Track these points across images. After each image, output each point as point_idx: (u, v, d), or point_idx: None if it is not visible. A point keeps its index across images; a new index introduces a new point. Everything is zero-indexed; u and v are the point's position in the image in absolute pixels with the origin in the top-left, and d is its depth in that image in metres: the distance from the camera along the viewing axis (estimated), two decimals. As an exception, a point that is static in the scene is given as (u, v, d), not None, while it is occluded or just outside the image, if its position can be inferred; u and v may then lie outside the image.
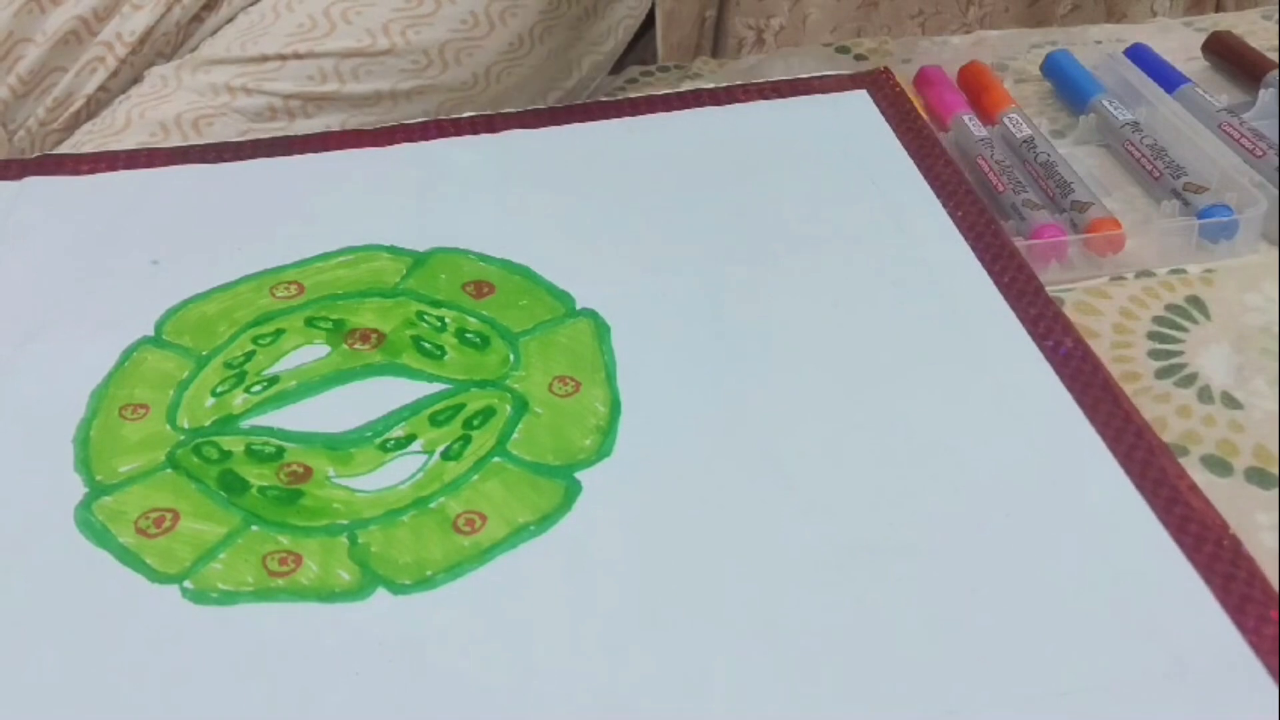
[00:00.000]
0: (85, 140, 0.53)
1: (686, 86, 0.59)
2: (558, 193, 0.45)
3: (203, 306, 0.40)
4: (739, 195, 0.44)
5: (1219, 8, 0.75)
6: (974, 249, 0.40)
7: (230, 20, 0.55)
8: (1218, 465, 0.35)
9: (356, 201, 0.45)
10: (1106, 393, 0.34)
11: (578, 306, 0.40)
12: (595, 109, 0.50)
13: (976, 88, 0.53)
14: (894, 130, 0.47)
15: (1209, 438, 0.36)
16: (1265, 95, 0.51)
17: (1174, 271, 0.43)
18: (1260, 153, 0.46)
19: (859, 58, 0.60)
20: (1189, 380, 0.38)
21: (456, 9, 0.55)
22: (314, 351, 0.38)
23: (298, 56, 0.53)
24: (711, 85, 0.52)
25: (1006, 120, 0.50)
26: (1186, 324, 0.41)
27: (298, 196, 0.46)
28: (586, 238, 0.43)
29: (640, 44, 0.66)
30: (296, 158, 0.48)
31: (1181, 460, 0.35)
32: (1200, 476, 0.35)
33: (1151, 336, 0.40)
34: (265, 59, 0.53)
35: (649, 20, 0.65)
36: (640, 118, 0.49)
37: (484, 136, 0.48)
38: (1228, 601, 0.29)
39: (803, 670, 0.28)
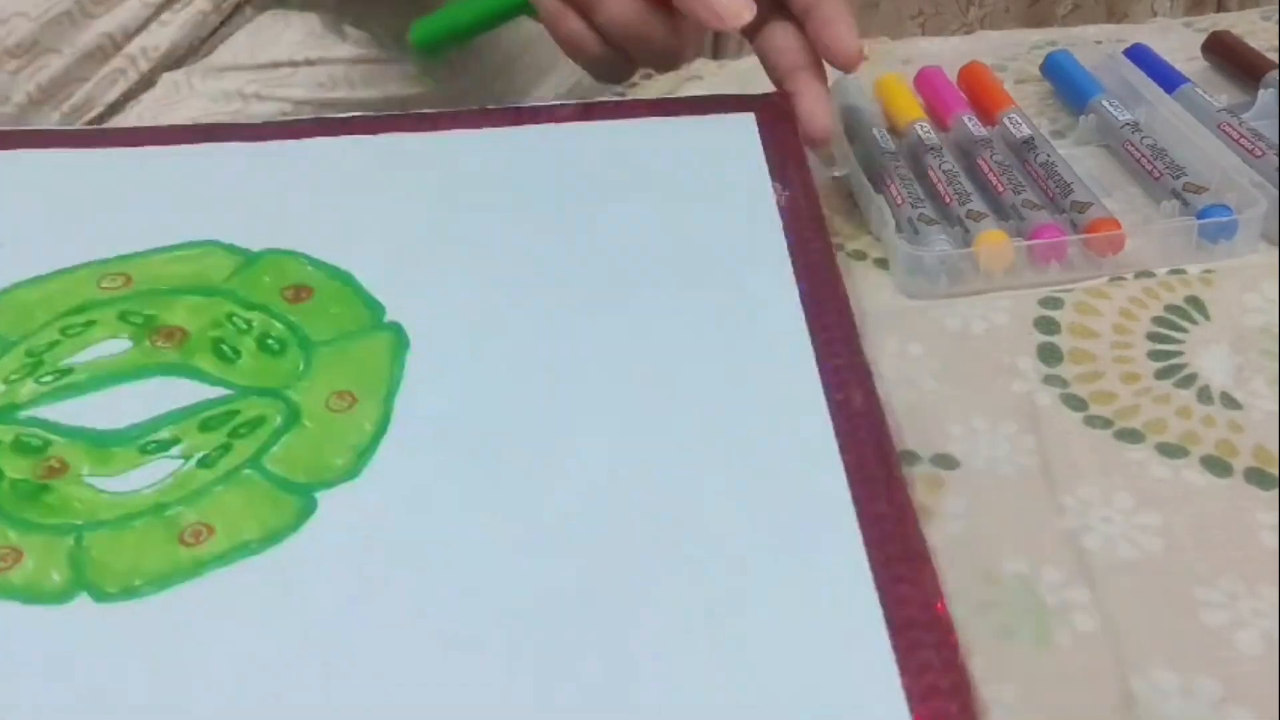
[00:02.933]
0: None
1: (685, 87, 0.59)
2: (410, 200, 0.44)
3: (27, 293, 0.40)
4: (590, 216, 0.43)
5: (1219, 8, 0.75)
6: (801, 291, 0.39)
7: (242, 28, 0.56)
8: (1217, 466, 0.36)
9: (208, 196, 0.44)
10: (881, 453, 0.33)
11: (386, 319, 0.39)
12: (480, 116, 0.49)
13: (976, 88, 0.53)
14: (768, 159, 0.46)
15: (1208, 438, 0.36)
16: (1265, 95, 0.51)
17: (1173, 272, 0.43)
18: (1260, 153, 0.46)
19: (859, 58, 0.60)
20: (1188, 381, 0.39)
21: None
22: (116, 345, 0.38)
23: (309, 63, 0.53)
24: (617, 99, 0.52)
25: (1006, 120, 0.50)
26: (1186, 324, 0.41)
27: (152, 186, 0.45)
28: (423, 249, 0.42)
29: (640, 45, 0.66)
30: (161, 148, 0.47)
31: (1181, 460, 0.36)
32: (1200, 477, 0.35)
33: (1151, 337, 0.40)
34: (277, 65, 0.54)
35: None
36: (524, 128, 0.48)
37: (361, 138, 0.47)
38: (914, 691, 0.28)
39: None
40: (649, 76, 0.63)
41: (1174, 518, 0.34)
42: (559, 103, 0.51)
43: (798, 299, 0.39)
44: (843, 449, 0.33)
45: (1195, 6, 0.78)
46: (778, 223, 0.42)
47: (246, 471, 0.34)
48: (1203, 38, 0.56)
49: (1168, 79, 0.52)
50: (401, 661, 0.29)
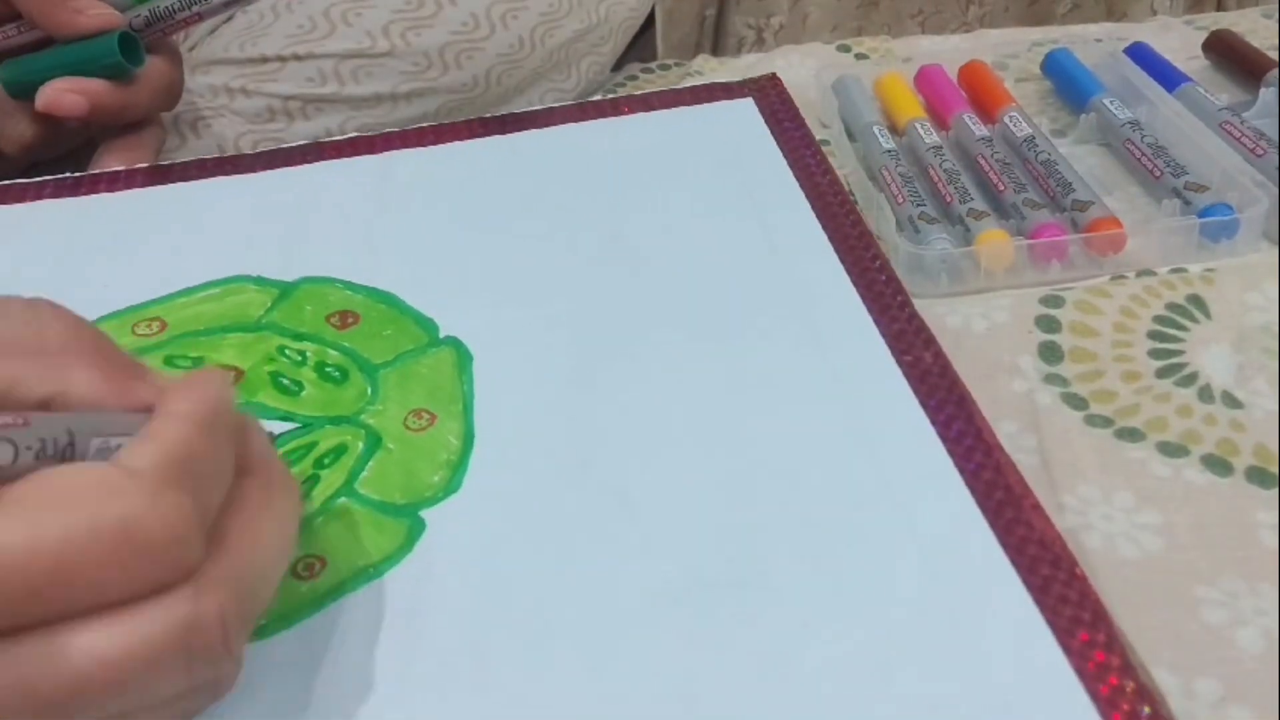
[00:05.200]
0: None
1: (686, 84, 0.59)
2: (431, 216, 0.44)
3: None
4: (616, 213, 0.44)
5: (1220, 6, 0.75)
6: (844, 262, 0.40)
7: (229, 20, 0.55)
8: (1218, 465, 0.35)
9: (225, 231, 0.44)
10: (961, 409, 0.34)
11: (441, 335, 0.39)
12: (476, 126, 0.49)
13: (977, 87, 0.53)
14: (776, 140, 0.46)
15: (1209, 437, 0.36)
16: (1266, 94, 0.51)
17: (1175, 271, 0.43)
18: (1261, 152, 0.46)
19: (859, 56, 0.60)
20: (1189, 380, 0.38)
21: (457, 11, 0.55)
22: None
23: (297, 58, 0.53)
24: (604, 97, 0.52)
25: (1007, 119, 0.50)
26: (1187, 323, 0.41)
27: (166, 227, 0.45)
28: (456, 263, 0.42)
29: (640, 43, 0.66)
30: (169, 186, 0.47)
31: (1182, 459, 0.35)
32: (1200, 476, 0.35)
33: (1152, 336, 0.40)
34: (265, 60, 0.53)
35: (649, 18, 0.65)
36: (524, 134, 0.48)
37: (363, 158, 0.48)
38: (1057, 624, 0.29)
39: (627, 715, 0.28)
40: (649, 71, 0.63)
41: (1174, 517, 0.34)
42: (556, 105, 0.51)
43: (845, 276, 0.40)
44: (934, 421, 0.34)
45: (1196, 5, 0.78)
46: (805, 203, 0.43)
47: (342, 500, 0.34)
48: (1203, 36, 0.56)
49: (1169, 77, 0.52)
50: (541, 661, 0.29)
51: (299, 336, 0.39)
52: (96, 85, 0.46)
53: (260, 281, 0.42)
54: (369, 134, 0.50)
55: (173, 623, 0.24)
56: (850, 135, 0.50)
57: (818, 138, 0.48)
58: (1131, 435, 0.36)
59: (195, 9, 0.47)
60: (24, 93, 0.47)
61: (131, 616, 0.23)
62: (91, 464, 0.25)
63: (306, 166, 0.48)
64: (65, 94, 0.46)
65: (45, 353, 0.27)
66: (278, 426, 0.36)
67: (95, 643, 0.23)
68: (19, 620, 0.23)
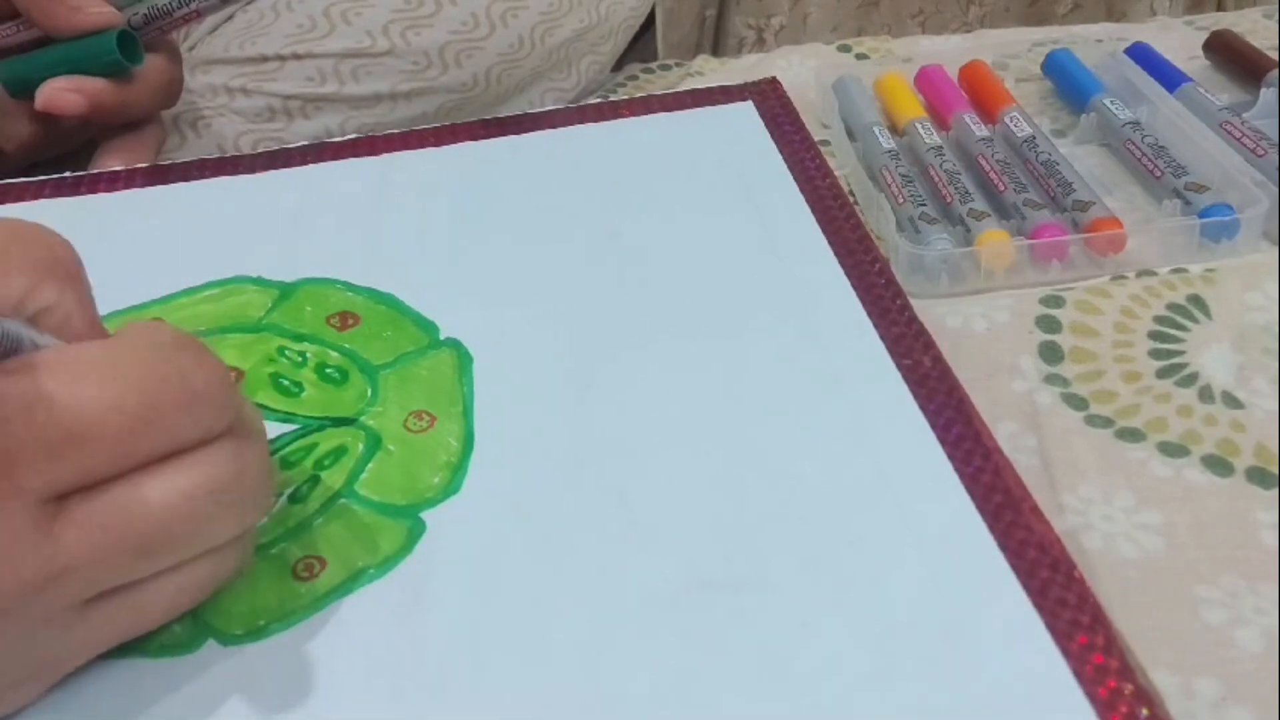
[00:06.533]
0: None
1: (686, 84, 0.59)
2: (431, 218, 0.44)
3: None
4: (615, 216, 0.44)
5: (1220, 6, 0.75)
6: (843, 265, 0.40)
7: (229, 19, 0.55)
8: (1218, 465, 0.35)
9: (225, 232, 0.44)
10: (959, 413, 0.34)
11: (442, 336, 0.39)
12: (477, 128, 0.49)
13: (977, 87, 0.53)
14: (776, 143, 0.47)
15: (1210, 437, 0.36)
16: (1266, 94, 0.51)
17: (1175, 271, 0.43)
18: (1261, 152, 0.46)
19: (860, 57, 0.60)
20: (1190, 380, 0.38)
21: (457, 10, 0.55)
22: None
23: (296, 57, 0.53)
24: (598, 100, 0.52)
25: (1007, 119, 0.50)
26: (1188, 323, 0.41)
27: (165, 227, 0.45)
28: (457, 265, 0.42)
29: (640, 43, 0.66)
30: (169, 186, 0.47)
31: (1182, 459, 0.35)
32: (1201, 476, 0.35)
33: (1153, 336, 0.40)
34: (264, 59, 0.53)
35: (649, 18, 0.65)
36: (524, 136, 0.48)
37: (364, 159, 0.48)
38: (1056, 627, 0.28)
39: (626, 716, 0.28)
40: (649, 71, 0.63)
41: (1175, 517, 0.34)
42: (556, 108, 0.51)
43: (845, 279, 0.40)
44: (933, 424, 0.34)
45: (1196, 5, 0.78)
46: (804, 206, 0.43)
47: (342, 501, 0.34)
48: (1204, 36, 0.56)
49: (1169, 78, 0.52)
50: (540, 661, 0.29)
51: (299, 337, 0.39)
52: (96, 84, 0.46)
53: (260, 282, 0.42)
54: (370, 135, 0.50)
55: (229, 463, 0.27)
56: (850, 135, 0.50)
57: (818, 138, 0.48)
58: (1132, 435, 0.36)
59: (193, 6, 0.47)
60: (23, 91, 0.47)
61: (196, 460, 0.27)
62: (134, 326, 0.28)
63: (307, 167, 0.48)
64: (64, 93, 0.46)
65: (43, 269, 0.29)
66: (278, 428, 0.36)
67: (175, 483, 0.26)
68: (108, 471, 0.26)
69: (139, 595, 0.27)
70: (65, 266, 0.29)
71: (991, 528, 0.31)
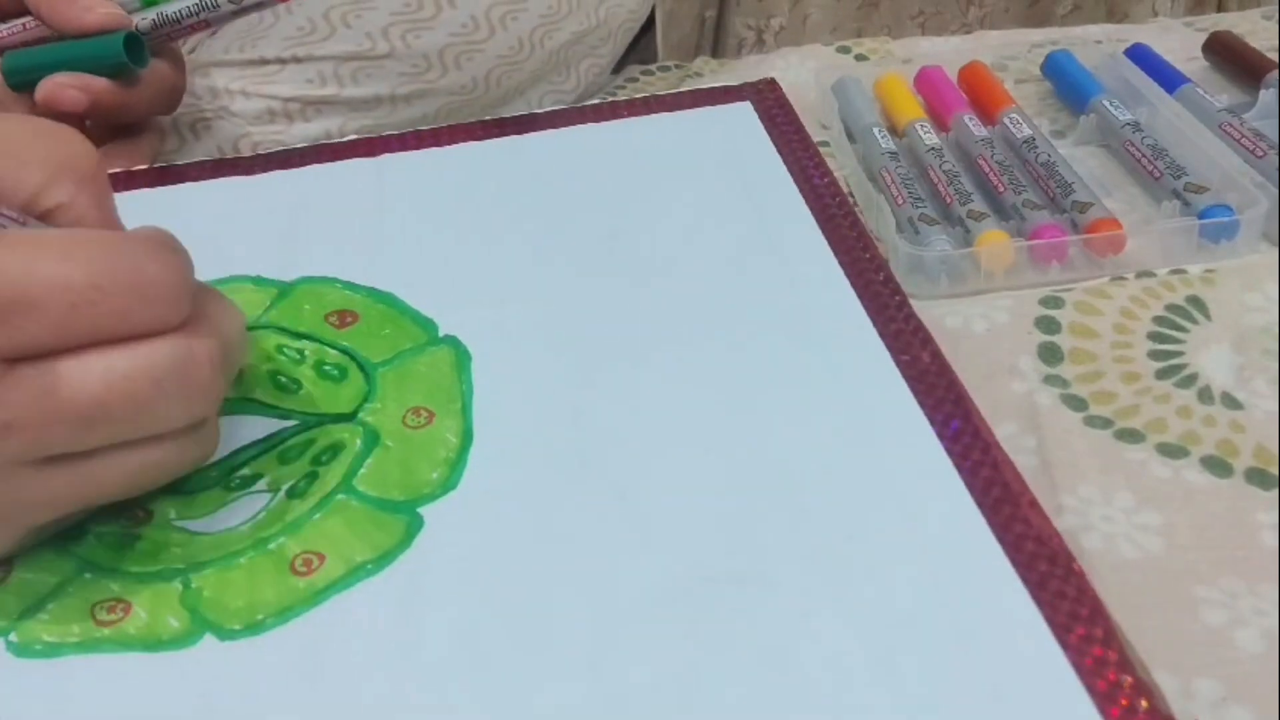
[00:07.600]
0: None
1: (686, 85, 0.59)
2: (430, 218, 0.45)
3: None
4: (614, 215, 0.44)
5: (1220, 8, 0.75)
6: (842, 264, 0.40)
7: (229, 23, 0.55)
8: (1218, 466, 0.35)
9: (225, 232, 0.44)
10: (958, 408, 0.35)
11: (440, 333, 0.39)
12: (476, 129, 0.49)
13: (977, 88, 0.53)
14: (774, 143, 0.47)
15: (1209, 438, 0.36)
16: (1266, 95, 0.51)
17: (1174, 272, 0.43)
18: (1261, 153, 0.46)
19: (859, 58, 0.60)
20: (1189, 380, 0.38)
21: (457, 13, 0.55)
22: None
23: (296, 60, 0.53)
24: (597, 100, 0.52)
25: (1007, 120, 0.50)
26: (1187, 324, 0.41)
27: (166, 228, 0.45)
28: (455, 263, 0.42)
29: (640, 44, 0.66)
30: (169, 188, 0.47)
31: (1182, 460, 0.35)
32: (1200, 477, 0.35)
33: (1152, 337, 0.40)
34: (265, 62, 0.53)
35: (649, 20, 0.65)
36: (524, 136, 0.48)
37: (362, 160, 0.48)
38: (1055, 620, 0.29)
39: (625, 711, 0.28)
40: (649, 73, 0.63)
41: (1174, 517, 0.34)
42: (556, 108, 0.51)
43: (843, 276, 0.40)
44: (932, 420, 0.35)
45: (1196, 6, 0.78)
46: (803, 206, 0.43)
47: (340, 497, 0.34)
48: (1203, 37, 0.56)
49: (1168, 79, 0.52)
50: (540, 657, 0.29)
51: (297, 335, 0.39)
52: (98, 83, 0.46)
53: (259, 281, 0.42)
54: (369, 136, 0.50)
55: (174, 354, 0.29)
56: (850, 136, 0.50)
57: (817, 139, 0.48)
58: (1131, 436, 0.36)
59: (202, 16, 0.47)
60: (25, 84, 0.47)
61: (141, 346, 0.28)
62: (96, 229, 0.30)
63: (306, 168, 0.48)
64: (66, 89, 0.46)
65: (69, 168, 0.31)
66: (276, 424, 0.36)
67: (115, 363, 0.28)
68: (53, 343, 0.27)
69: (91, 466, 0.29)
70: (84, 168, 0.31)
71: (990, 521, 0.31)
